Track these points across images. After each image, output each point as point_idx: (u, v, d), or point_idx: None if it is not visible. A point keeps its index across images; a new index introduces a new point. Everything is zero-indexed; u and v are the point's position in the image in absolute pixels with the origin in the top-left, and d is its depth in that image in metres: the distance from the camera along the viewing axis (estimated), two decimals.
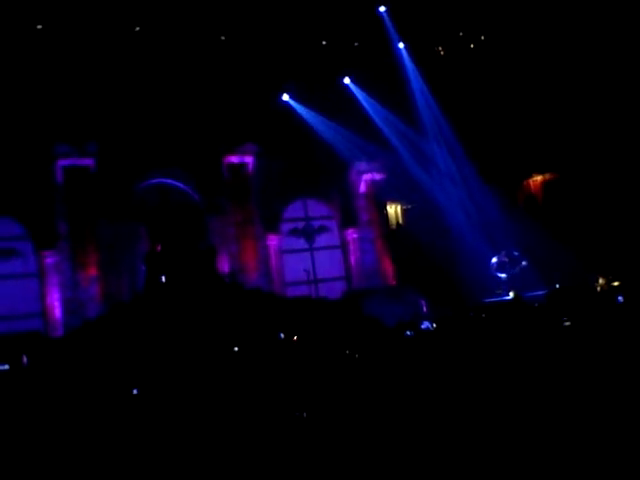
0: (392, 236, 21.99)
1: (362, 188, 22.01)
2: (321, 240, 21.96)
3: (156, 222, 18.93)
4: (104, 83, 18.01)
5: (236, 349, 12.63)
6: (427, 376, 8.06)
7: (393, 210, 22.65)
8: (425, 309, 18.47)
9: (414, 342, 12.13)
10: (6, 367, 12.77)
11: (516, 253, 20.48)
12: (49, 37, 17.65)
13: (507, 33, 21.99)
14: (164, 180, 19.97)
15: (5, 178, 17.42)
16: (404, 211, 22.52)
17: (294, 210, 21.68)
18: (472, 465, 4.95)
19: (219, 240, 19.79)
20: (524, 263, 20.29)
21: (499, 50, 22.13)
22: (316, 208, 22.04)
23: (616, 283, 17.50)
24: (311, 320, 14.97)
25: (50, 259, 18.23)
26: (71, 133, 18.03)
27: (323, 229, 22.05)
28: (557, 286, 17.14)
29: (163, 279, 16.49)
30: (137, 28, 18.62)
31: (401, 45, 21.46)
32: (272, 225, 20.91)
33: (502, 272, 20.54)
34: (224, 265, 19.50)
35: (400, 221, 22.51)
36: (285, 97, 20.69)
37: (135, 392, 9.04)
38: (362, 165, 21.76)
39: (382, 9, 20.90)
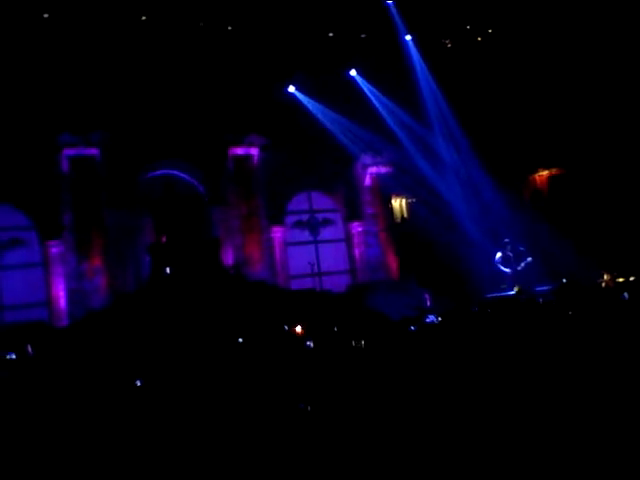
0: (397, 230, 21.93)
1: (367, 181, 21.97)
2: (326, 233, 21.95)
3: (161, 213, 18.93)
4: (110, 73, 17.95)
5: (240, 341, 12.65)
6: (431, 370, 8.05)
7: (398, 204, 22.58)
8: (429, 303, 18.48)
9: (419, 336, 12.11)
10: (13, 356, 12.87)
11: (521, 248, 20.45)
12: (54, 27, 17.58)
13: (515, 27, 21.86)
14: (169, 171, 19.98)
15: (10, 168, 17.40)
16: (409, 205, 22.44)
17: (299, 202, 21.67)
18: (476, 458, 4.94)
19: (223, 232, 19.80)
20: (529, 258, 20.27)
21: (506, 44, 21.98)
22: (321, 201, 22.01)
23: (621, 279, 17.47)
24: (315, 313, 14.97)
25: (55, 249, 18.25)
26: (77, 123, 18.02)
27: (328, 222, 22.04)
28: (564, 281, 17.06)
29: (168, 270, 16.53)
30: (143, 17, 18.57)
31: (408, 37, 21.34)
32: (277, 217, 20.88)
33: (507, 267, 20.53)
34: (228, 257, 19.51)
35: (405, 215, 22.43)
36: (291, 89, 20.61)
37: (139, 383, 9.05)
38: (367, 158, 21.72)
39: (389, 1, 20.79)
